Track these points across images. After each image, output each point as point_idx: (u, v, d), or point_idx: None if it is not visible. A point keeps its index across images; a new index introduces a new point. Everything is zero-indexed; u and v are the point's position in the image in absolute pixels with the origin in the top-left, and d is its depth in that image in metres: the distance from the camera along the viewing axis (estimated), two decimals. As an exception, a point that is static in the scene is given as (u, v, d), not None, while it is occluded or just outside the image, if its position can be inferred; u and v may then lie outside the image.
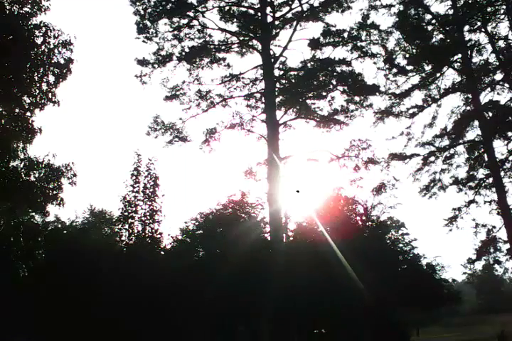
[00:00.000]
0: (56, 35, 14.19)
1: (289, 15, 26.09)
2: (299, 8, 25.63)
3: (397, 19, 27.57)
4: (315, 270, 18.60)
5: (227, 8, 25.84)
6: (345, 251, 18.85)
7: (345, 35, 25.21)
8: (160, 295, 17.10)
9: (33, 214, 17.79)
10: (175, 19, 25.43)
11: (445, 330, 37.97)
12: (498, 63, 27.22)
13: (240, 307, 18.30)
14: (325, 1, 25.29)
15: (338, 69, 25.26)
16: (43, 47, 14.11)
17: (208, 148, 25.56)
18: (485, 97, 27.50)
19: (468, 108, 28.65)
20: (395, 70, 28.17)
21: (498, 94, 27.56)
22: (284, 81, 26.38)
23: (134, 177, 20.01)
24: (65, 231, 23.09)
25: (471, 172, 28.40)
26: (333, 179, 27.53)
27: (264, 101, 25.63)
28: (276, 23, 26.21)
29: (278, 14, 26.08)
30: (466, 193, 28.30)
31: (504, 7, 26.79)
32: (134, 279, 16.67)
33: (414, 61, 28.08)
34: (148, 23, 25.14)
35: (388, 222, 28.03)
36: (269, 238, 22.87)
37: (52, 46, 14.18)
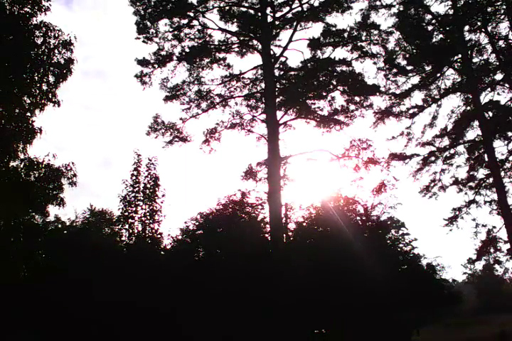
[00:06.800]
0: (56, 35, 14.19)
1: (289, 15, 26.13)
2: (299, 8, 25.69)
3: (397, 19, 27.67)
4: (315, 270, 18.59)
5: (227, 8, 25.87)
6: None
7: (346, 35, 25.24)
8: (160, 295, 17.10)
9: (33, 214, 17.76)
10: (175, 19, 25.47)
11: (445, 330, 37.94)
12: (498, 63, 27.25)
13: (240, 307, 18.29)
14: (325, 1, 25.30)
15: (338, 69, 25.28)
16: (43, 47, 14.10)
17: (208, 148, 25.64)
18: (485, 97, 27.59)
19: (468, 108, 28.70)
20: (395, 70, 28.21)
21: (498, 94, 27.67)
22: (284, 81, 26.38)
23: (134, 177, 20.00)
24: (65, 231, 23.07)
25: (471, 173, 28.47)
26: (333, 179, 27.59)
27: (264, 101, 25.63)
28: (277, 23, 26.22)
29: (278, 14, 26.16)
30: (466, 193, 28.44)
31: (504, 7, 26.83)
32: (134, 279, 16.67)
33: (415, 61, 28.11)
34: (149, 23, 25.17)
35: (388, 222, 28.04)
36: (269, 238, 22.87)
37: (52, 46, 14.17)
